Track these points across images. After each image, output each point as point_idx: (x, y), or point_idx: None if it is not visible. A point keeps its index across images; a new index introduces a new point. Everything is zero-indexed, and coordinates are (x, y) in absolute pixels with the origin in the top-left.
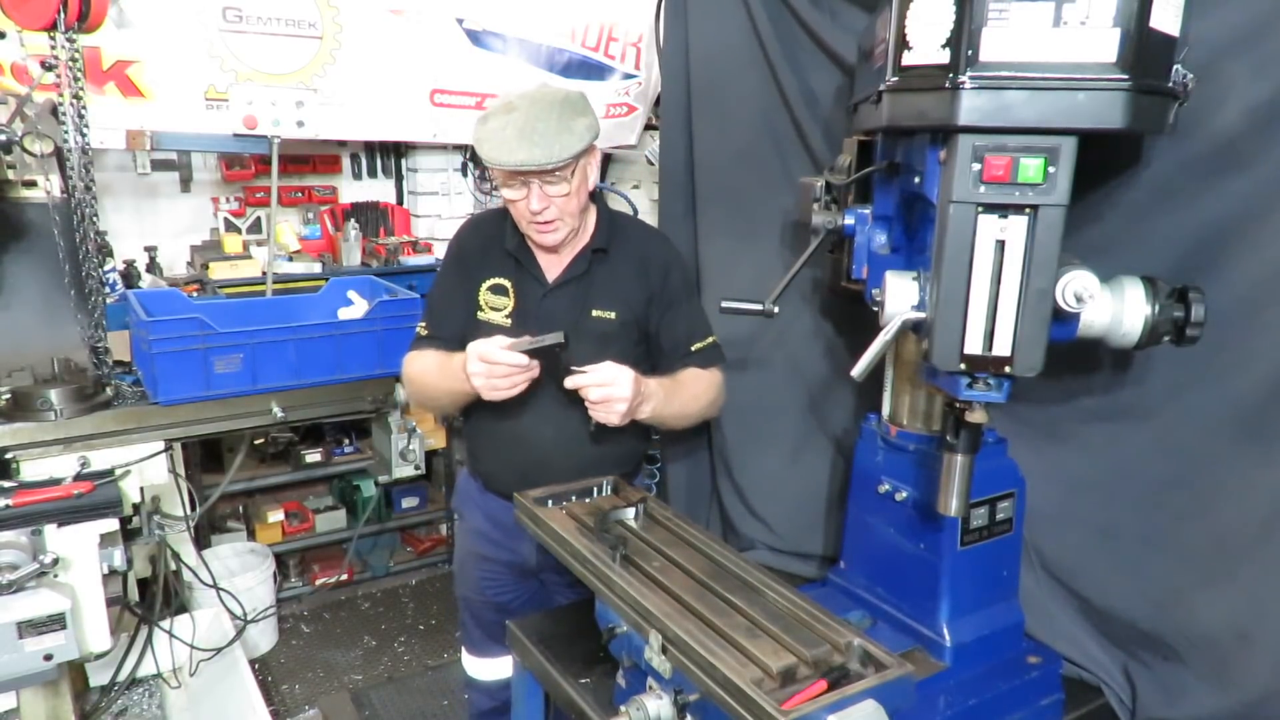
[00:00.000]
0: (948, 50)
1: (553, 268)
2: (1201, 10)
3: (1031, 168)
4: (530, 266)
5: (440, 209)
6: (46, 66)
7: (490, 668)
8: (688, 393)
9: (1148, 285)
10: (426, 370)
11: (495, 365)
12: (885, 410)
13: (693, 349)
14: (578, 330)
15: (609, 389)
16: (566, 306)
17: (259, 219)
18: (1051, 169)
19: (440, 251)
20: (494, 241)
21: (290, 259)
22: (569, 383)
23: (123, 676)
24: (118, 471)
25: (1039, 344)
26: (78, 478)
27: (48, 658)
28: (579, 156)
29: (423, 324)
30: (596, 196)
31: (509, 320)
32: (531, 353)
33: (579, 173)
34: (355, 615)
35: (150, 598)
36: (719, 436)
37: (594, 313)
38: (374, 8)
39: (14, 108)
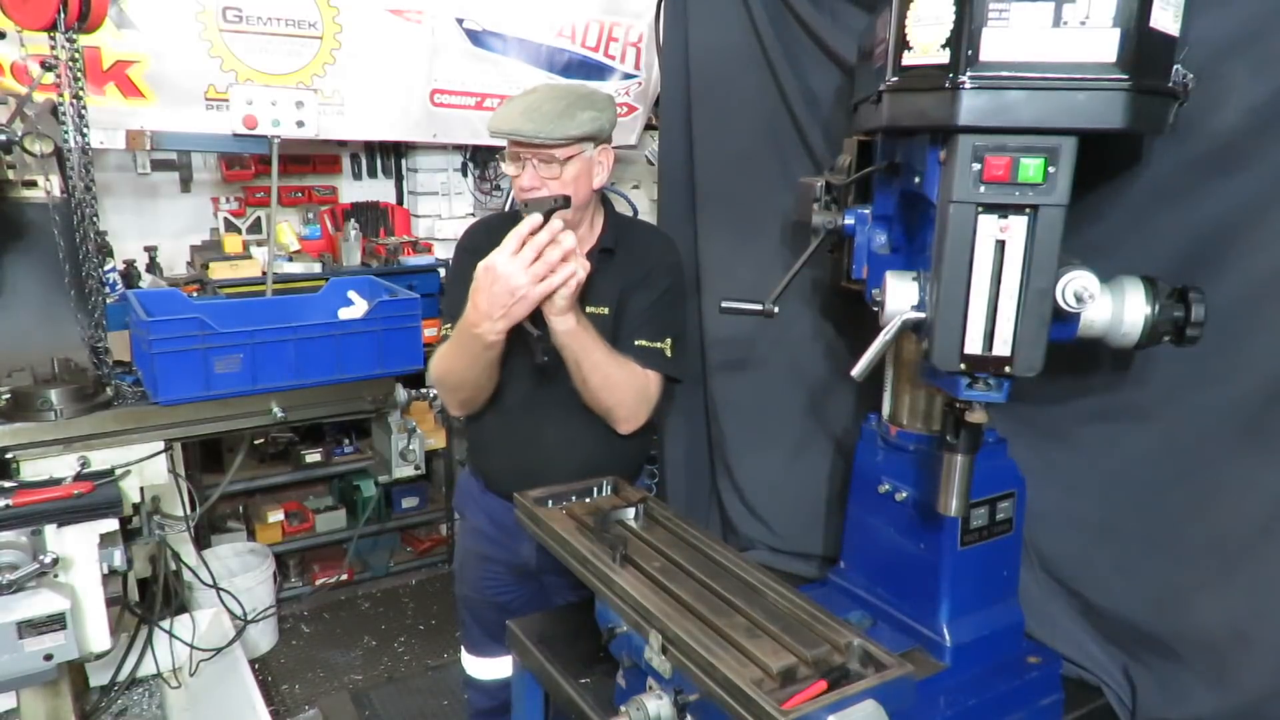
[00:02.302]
0: (948, 50)
1: None
2: (1201, 10)
3: (1031, 168)
4: None
5: (440, 209)
6: (46, 66)
7: (490, 667)
8: (614, 362)
9: (1148, 285)
10: (445, 355)
11: (535, 248)
12: (885, 410)
13: (636, 342)
14: None
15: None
16: None
17: (259, 219)
18: (1051, 169)
19: (440, 252)
20: (502, 240)
21: (290, 259)
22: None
23: (123, 676)
24: (118, 471)
25: (1039, 344)
26: (78, 478)
27: (48, 658)
28: (575, 142)
29: (446, 325)
30: (604, 200)
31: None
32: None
33: (578, 164)
34: (355, 615)
35: (150, 598)
36: (719, 436)
37: (588, 309)
38: (374, 8)
39: (14, 108)
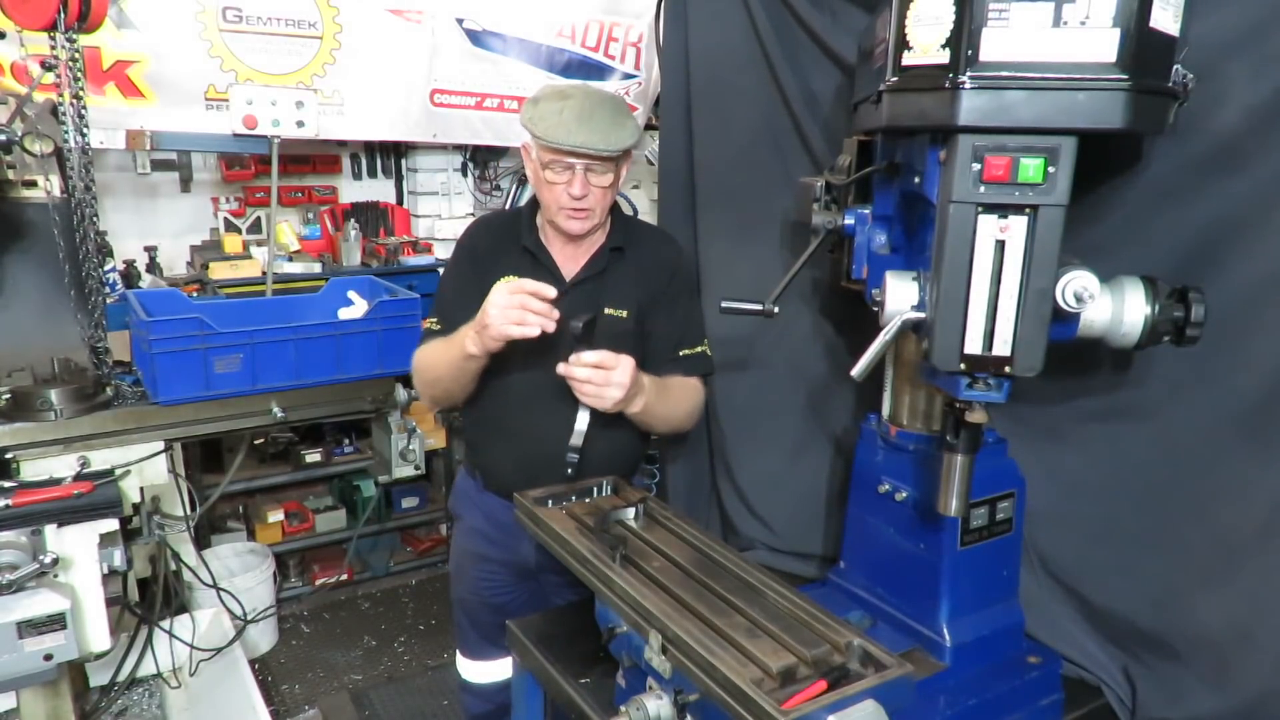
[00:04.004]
0: (948, 50)
1: (570, 266)
2: (1201, 10)
3: (1031, 168)
4: (548, 264)
5: (440, 209)
6: (46, 66)
7: (486, 671)
8: (672, 397)
9: (1148, 285)
10: (432, 350)
11: (526, 296)
12: (885, 410)
13: (680, 354)
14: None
15: (609, 374)
16: (583, 305)
17: (259, 219)
18: (1051, 169)
19: (440, 252)
20: (508, 239)
21: (290, 259)
22: (562, 369)
23: (123, 676)
24: (118, 471)
25: (1039, 344)
26: (78, 478)
27: (48, 658)
28: (626, 152)
29: (433, 319)
30: None
31: None
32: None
33: (619, 169)
34: (355, 615)
35: (150, 598)
36: (719, 436)
37: (607, 310)
38: (374, 8)
39: (14, 108)
